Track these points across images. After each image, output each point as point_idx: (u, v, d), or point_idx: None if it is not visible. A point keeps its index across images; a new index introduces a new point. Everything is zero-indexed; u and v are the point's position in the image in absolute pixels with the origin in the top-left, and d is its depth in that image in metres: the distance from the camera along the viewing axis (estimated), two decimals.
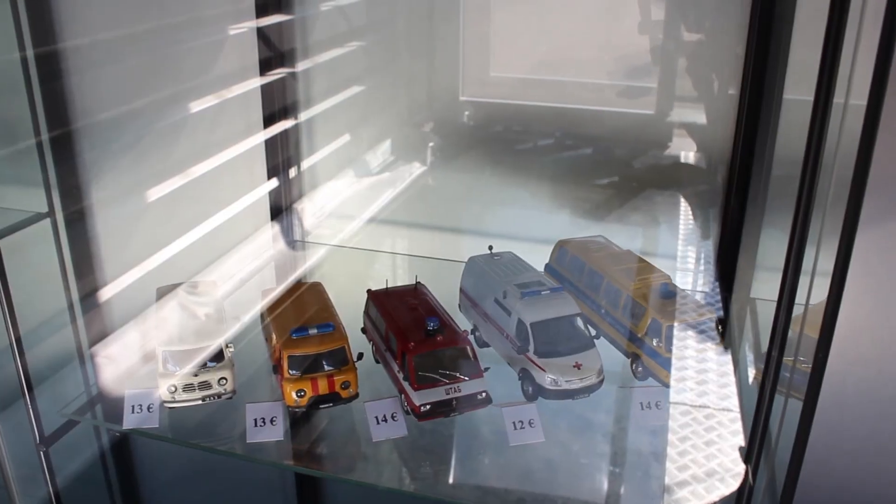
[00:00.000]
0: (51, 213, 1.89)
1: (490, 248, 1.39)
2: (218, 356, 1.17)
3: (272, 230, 2.05)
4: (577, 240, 1.43)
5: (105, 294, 2.10)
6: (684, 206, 1.89)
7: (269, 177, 2.03)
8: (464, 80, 1.98)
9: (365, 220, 2.08)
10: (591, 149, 1.89)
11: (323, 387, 1.13)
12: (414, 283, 1.33)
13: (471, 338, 1.22)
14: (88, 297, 2.04)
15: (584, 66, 1.86)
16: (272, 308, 1.25)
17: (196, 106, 2.02)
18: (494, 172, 1.93)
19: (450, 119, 1.99)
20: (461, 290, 1.36)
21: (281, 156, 2.01)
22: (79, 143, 2.02)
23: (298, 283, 1.36)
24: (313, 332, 1.16)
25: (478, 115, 1.97)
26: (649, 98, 1.74)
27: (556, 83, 1.90)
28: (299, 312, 1.21)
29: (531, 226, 1.83)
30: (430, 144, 2.01)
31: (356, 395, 1.16)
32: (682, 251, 1.83)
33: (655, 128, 1.76)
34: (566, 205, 1.85)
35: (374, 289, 1.31)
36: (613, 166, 1.85)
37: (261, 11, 1.84)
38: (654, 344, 1.18)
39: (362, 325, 1.32)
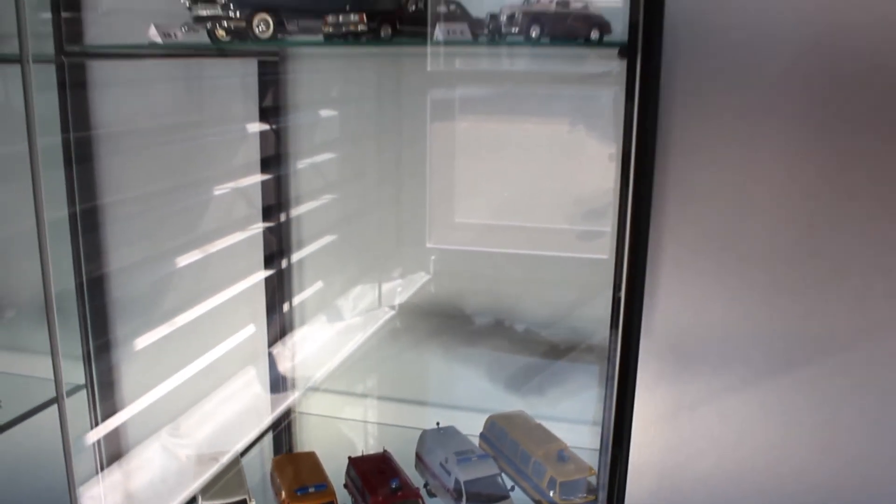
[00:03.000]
0: (88, 383, 2.20)
1: (437, 423, 1.98)
2: None
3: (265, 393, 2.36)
4: (503, 414, 2.03)
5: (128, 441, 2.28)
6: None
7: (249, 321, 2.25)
8: (430, 226, 2.18)
9: (337, 383, 2.33)
10: (541, 318, 2.12)
11: None
12: (382, 451, 1.92)
13: (423, 492, 1.78)
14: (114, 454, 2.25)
15: (543, 211, 2.05)
16: (280, 471, 1.82)
17: (209, 249, 2.24)
18: (450, 348, 2.24)
19: (417, 266, 2.23)
20: (416, 455, 1.94)
21: (276, 295, 2.25)
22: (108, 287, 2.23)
23: (299, 453, 1.94)
24: (311, 490, 1.71)
25: (444, 261, 2.20)
26: (603, 241, 1.96)
27: (517, 228, 2.10)
28: (301, 475, 1.77)
29: (477, 396, 2.20)
30: (399, 290, 2.27)
31: None
32: (593, 415, 2.16)
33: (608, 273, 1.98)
34: (503, 376, 2.21)
35: (353, 455, 1.88)
36: (552, 337, 2.14)
37: (264, 166, 2.17)
38: (552, 494, 1.76)
39: (344, 482, 1.87)
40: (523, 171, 2.04)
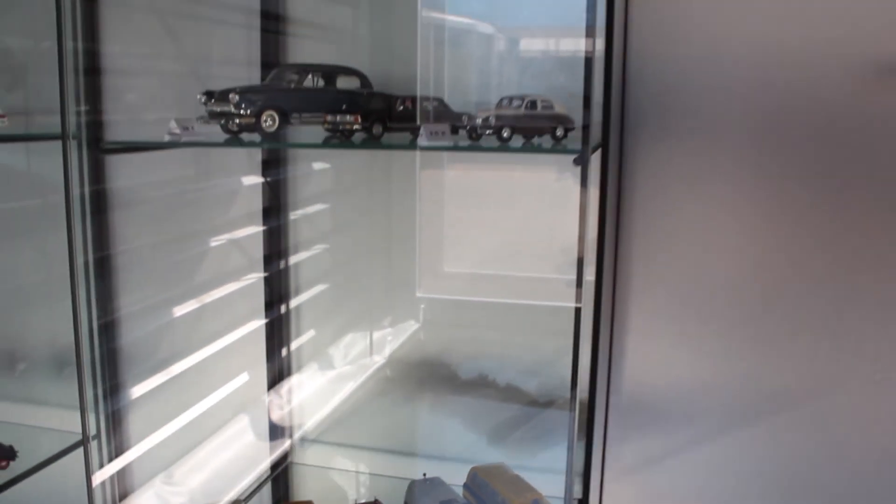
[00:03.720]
0: (97, 436, 2.26)
1: (424, 474, 2.15)
2: None
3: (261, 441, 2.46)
4: (484, 466, 2.17)
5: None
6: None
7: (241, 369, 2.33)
8: (420, 275, 2.25)
9: (330, 433, 2.43)
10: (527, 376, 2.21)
11: None
12: (373, 500, 2.07)
13: None
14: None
15: (531, 259, 2.12)
16: None
17: (212, 296, 2.32)
18: (438, 398, 2.36)
19: (407, 315, 2.32)
20: None
21: (272, 344, 2.28)
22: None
23: (298, 501, 2.10)
24: None
25: (433, 310, 2.27)
26: (590, 290, 1.91)
27: (506, 277, 2.18)
28: None
29: (462, 447, 2.34)
30: (389, 339, 2.36)
31: None
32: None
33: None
34: (488, 427, 2.34)
35: None
36: (538, 387, 2.24)
37: (266, 215, 2.26)
38: None
39: None
40: (511, 219, 2.13)
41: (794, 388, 1.98)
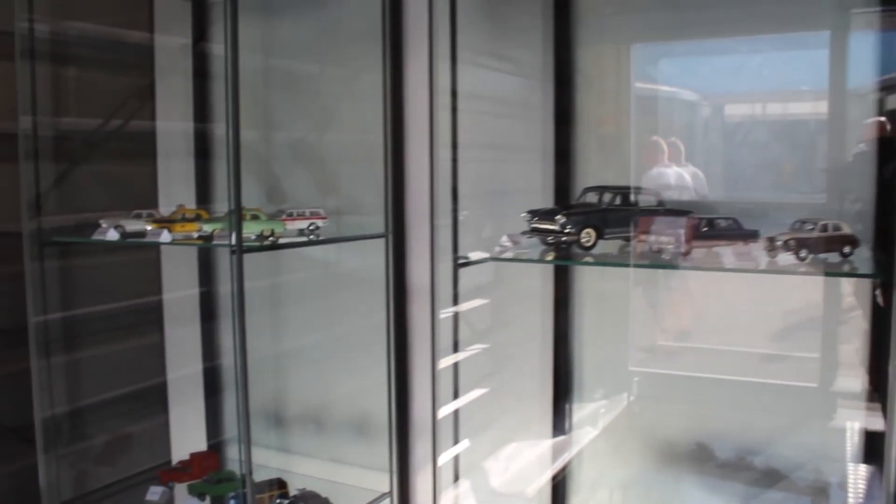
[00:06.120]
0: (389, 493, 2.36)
1: None
2: None
3: None
4: None
5: None
6: None
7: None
8: (632, 349, 2.33)
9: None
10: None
11: None
12: None
13: None
14: None
15: (746, 333, 2.14)
16: None
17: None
18: (654, 471, 2.34)
19: (620, 388, 2.38)
20: None
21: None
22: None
23: None
24: None
25: (646, 384, 2.31)
26: (808, 367, 2.00)
27: (719, 352, 2.22)
28: None
29: None
30: (602, 412, 2.44)
31: None
32: None
33: (814, 404, 2.00)
34: None
35: None
36: (760, 465, 2.19)
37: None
38: None
39: None
40: (725, 290, 2.19)
41: None
